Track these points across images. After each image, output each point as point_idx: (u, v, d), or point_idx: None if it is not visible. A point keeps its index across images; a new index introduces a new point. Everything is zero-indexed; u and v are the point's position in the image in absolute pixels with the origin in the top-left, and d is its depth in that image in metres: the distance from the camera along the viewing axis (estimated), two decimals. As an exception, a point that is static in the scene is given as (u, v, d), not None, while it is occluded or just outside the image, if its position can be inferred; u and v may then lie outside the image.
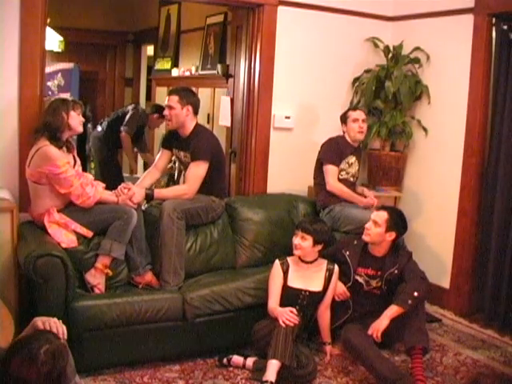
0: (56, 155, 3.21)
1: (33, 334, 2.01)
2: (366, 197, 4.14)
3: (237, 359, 3.26)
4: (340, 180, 4.10)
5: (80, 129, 3.42)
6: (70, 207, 3.34)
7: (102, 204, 3.37)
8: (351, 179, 4.17)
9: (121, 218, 3.33)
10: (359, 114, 4.09)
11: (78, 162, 3.49)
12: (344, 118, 4.13)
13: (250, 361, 3.24)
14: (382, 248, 3.43)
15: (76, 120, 3.36)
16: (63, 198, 3.30)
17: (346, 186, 4.09)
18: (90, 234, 3.34)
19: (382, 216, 3.40)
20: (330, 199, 4.05)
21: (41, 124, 3.31)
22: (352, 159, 4.14)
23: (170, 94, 3.72)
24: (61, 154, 3.26)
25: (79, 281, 3.27)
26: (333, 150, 4.09)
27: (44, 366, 1.81)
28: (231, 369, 3.24)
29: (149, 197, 3.57)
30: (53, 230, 3.25)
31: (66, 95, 4.75)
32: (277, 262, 3.39)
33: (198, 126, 3.77)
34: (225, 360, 3.26)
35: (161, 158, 3.93)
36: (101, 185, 3.51)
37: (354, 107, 4.23)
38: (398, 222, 3.43)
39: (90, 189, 3.32)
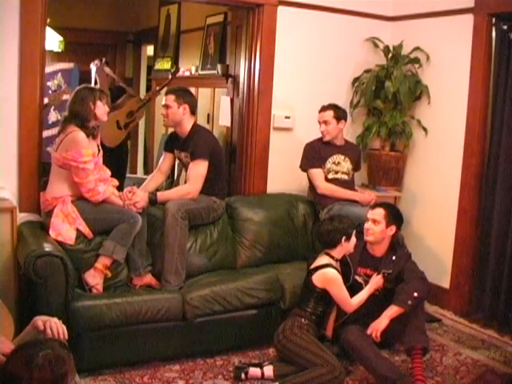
0: (83, 143, 3.27)
1: (40, 339, 2.01)
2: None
3: (254, 371, 3.16)
4: (330, 180, 4.09)
5: (105, 118, 3.49)
6: (80, 199, 3.37)
7: (110, 204, 3.40)
8: (345, 177, 4.14)
9: (126, 221, 3.35)
10: (321, 116, 4.09)
11: (101, 152, 3.53)
12: None
13: (268, 370, 3.16)
14: (383, 247, 3.44)
15: (102, 110, 3.42)
16: (80, 188, 3.34)
17: (340, 184, 4.08)
18: (90, 235, 3.35)
19: (379, 213, 3.42)
20: (327, 199, 4.06)
21: (68, 113, 3.37)
22: (339, 158, 4.12)
23: (166, 93, 3.78)
24: (88, 142, 3.31)
25: (77, 280, 3.27)
26: (307, 155, 4.14)
27: (38, 371, 1.78)
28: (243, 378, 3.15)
29: (152, 200, 3.59)
30: (56, 220, 3.27)
31: (66, 96, 4.75)
32: (332, 270, 3.23)
33: (196, 125, 3.80)
34: (242, 375, 3.14)
35: (164, 161, 3.95)
36: (114, 183, 3.58)
37: (322, 107, 4.13)
38: (395, 214, 3.47)
39: (102, 186, 3.37)
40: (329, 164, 4.12)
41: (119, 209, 3.41)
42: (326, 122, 4.07)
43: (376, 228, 3.40)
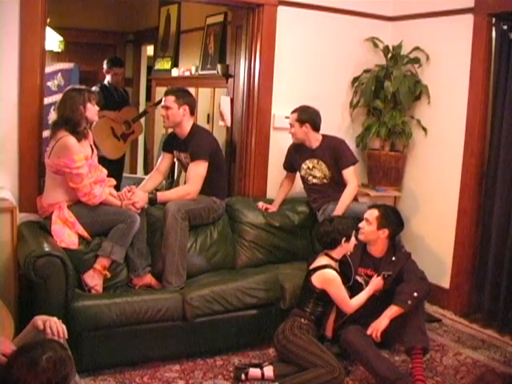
0: (74, 148, 3.23)
1: (40, 340, 2.02)
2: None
3: (254, 372, 3.14)
4: (311, 185, 4.08)
5: (96, 118, 3.47)
6: (77, 204, 3.36)
7: (107, 205, 3.39)
8: (324, 181, 4.05)
9: (124, 221, 3.34)
10: (289, 120, 4.03)
11: (95, 151, 3.52)
12: None
13: (268, 370, 3.15)
14: (378, 247, 3.44)
15: (92, 111, 3.38)
16: (75, 193, 3.32)
17: (322, 189, 4.04)
18: (89, 238, 3.36)
19: (372, 214, 3.42)
20: (318, 201, 4.06)
21: (58, 118, 3.32)
22: (313, 162, 4.04)
23: (166, 94, 3.76)
24: (79, 147, 3.28)
25: (77, 281, 3.27)
26: (285, 158, 4.22)
27: (43, 373, 1.81)
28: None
29: (152, 201, 3.58)
30: (56, 227, 3.26)
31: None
32: (331, 271, 3.24)
33: (195, 126, 3.81)
34: (242, 376, 3.12)
35: (162, 161, 3.94)
36: (112, 182, 3.56)
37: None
38: (389, 218, 3.42)
39: (98, 189, 3.35)
40: (303, 170, 4.09)
41: (116, 210, 3.40)
42: (290, 125, 4.03)
43: (367, 228, 3.40)
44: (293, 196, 4.30)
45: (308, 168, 4.07)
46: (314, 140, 4.04)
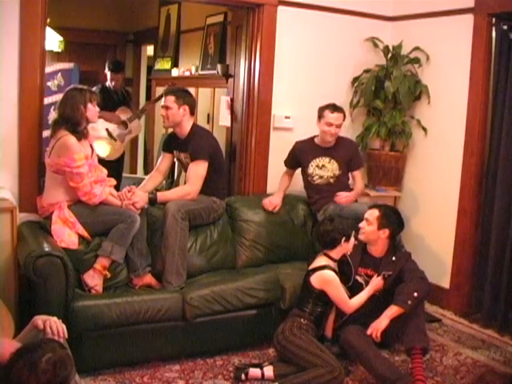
0: (75, 147, 3.24)
1: (39, 341, 2.02)
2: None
3: (254, 372, 3.14)
4: (316, 185, 4.07)
5: (96, 119, 3.47)
6: (77, 204, 3.36)
7: (107, 205, 3.39)
8: (330, 181, 4.06)
9: (124, 221, 3.34)
10: (336, 119, 3.94)
11: (96, 152, 3.52)
12: (320, 115, 4.02)
13: (268, 370, 3.14)
14: (378, 247, 3.44)
15: (93, 112, 3.39)
16: (76, 192, 3.32)
17: (326, 189, 4.03)
18: (90, 238, 3.36)
19: (373, 214, 3.42)
20: (319, 202, 4.06)
21: (59, 116, 3.32)
22: (324, 160, 4.04)
23: (166, 94, 3.76)
24: (79, 146, 3.28)
25: (77, 281, 3.27)
26: (288, 155, 4.17)
27: (43, 375, 1.82)
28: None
29: (152, 201, 3.58)
30: (56, 227, 3.26)
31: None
32: (330, 272, 3.24)
33: (195, 126, 3.81)
34: (243, 376, 3.13)
35: (162, 161, 3.94)
36: (112, 182, 3.56)
37: (333, 107, 3.99)
38: (390, 218, 3.43)
39: (98, 188, 3.35)
40: (311, 168, 4.06)
41: (116, 210, 3.40)
42: (339, 126, 3.99)
43: (367, 228, 3.40)
44: (293, 195, 4.29)
45: (317, 166, 4.06)
46: (335, 139, 4.07)
